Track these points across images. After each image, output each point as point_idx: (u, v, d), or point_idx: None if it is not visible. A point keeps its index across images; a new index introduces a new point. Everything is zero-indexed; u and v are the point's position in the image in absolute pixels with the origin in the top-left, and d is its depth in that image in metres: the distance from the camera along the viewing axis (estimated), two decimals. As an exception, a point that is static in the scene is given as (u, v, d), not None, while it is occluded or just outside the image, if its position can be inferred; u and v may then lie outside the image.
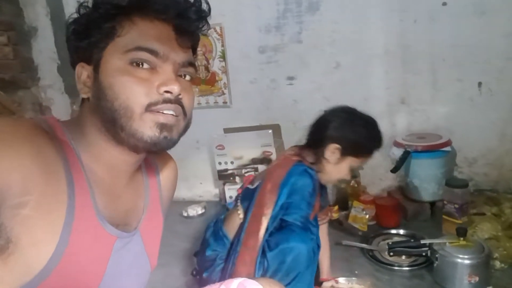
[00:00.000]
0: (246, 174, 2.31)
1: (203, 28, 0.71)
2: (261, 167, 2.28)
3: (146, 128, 0.63)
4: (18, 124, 0.59)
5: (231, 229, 1.42)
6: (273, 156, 2.28)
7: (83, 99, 0.69)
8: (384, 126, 2.20)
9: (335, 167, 1.37)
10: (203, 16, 0.69)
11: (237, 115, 2.44)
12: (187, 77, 0.70)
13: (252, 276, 0.77)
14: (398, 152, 2.03)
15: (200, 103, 2.48)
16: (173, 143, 0.67)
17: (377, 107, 2.23)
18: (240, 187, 1.53)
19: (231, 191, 2.33)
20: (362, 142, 1.36)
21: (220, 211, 2.30)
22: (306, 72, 2.29)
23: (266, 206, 1.30)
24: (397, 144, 2.06)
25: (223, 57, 2.38)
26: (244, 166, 2.34)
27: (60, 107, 2.68)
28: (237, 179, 2.36)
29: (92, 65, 0.66)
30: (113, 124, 0.63)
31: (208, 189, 2.66)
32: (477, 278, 1.41)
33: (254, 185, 1.41)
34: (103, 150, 0.67)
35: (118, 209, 0.71)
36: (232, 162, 2.36)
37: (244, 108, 2.44)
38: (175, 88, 0.63)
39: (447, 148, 1.99)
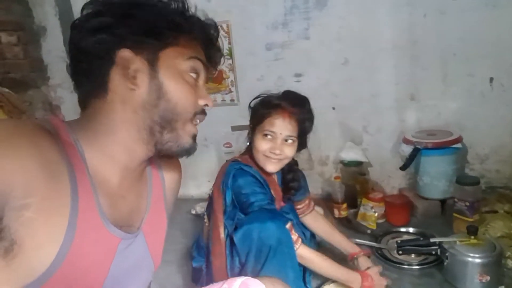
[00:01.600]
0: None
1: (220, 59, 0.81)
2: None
3: (186, 135, 0.71)
4: (20, 126, 0.59)
5: (204, 236, 1.46)
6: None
7: (104, 92, 0.66)
8: (393, 122, 2.22)
9: (254, 143, 1.42)
10: (221, 50, 0.81)
11: (244, 113, 2.40)
12: None
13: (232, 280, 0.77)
14: (407, 149, 2.00)
15: (207, 101, 2.47)
16: (195, 151, 0.76)
17: (386, 103, 2.21)
18: (208, 196, 1.57)
19: (239, 189, 2.32)
20: (254, 110, 1.47)
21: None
22: (314, 68, 2.27)
23: (219, 211, 1.35)
24: (406, 141, 2.03)
25: (230, 54, 2.37)
26: (252, 163, 2.33)
27: (70, 106, 2.70)
28: (245, 176, 2.34)
29: (145, 60, 0.66)
30: (164, 124, 0.68)
31: (216, 187, 2.66)
32: (488, 278, 1.38)
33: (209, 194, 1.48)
34: (120, 147, 0.68)
35: (122, 210, 0.71)
36: (239, 160, 2.34)
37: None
38: (211, 104, 0.73)
39: (458, 145, 1.95)
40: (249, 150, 1.47)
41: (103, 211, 0.65)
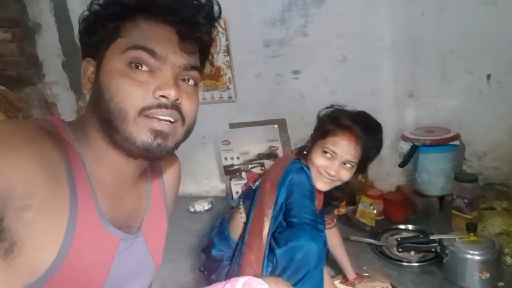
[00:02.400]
0: (252, 170, 2.30)
1: (209, 33, 0.68)
2: (267, 162, 2.27)
3: (140, 133, 0.61)
4: (20, 126, 0.58)
5: (235, 229, 1.41)
6: (279, 151, 2.27)
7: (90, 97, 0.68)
8: (391, 120, 2.22)
9: (312, 155, 1.34)
10: (210, 21, 0.66)
11: (242, 110, 2.43)
12: (191, 82, 0.67)
13: (260, 276, 0.76)
14: (405, 146, 2.01)
15: (205, 98, 2.46)
16: (166, 151, 0.64)
17: (385, 101, 2.21)
18: (244, 185, 1.52)
19: (237, 187, 2.32)
20: (324, 120, 1.34)
21: (226, 208, 2.29)
22: (312, 65, 2.26)
23: (267, 206, 1.29)
24: (404, 138, 2.04)
25: (228, 51, 2.35)
26: (250, 161, 2.33)
27: (66, 104, 2.68)
28: (243, 174, 2.34)
29: (96, 62, 0.65)
30: (108, 126, 0.62)
31: (214, 185, 2.66)
32: (488, 274, 1.39)
33: (255, 185, 1.40)
34: (104, 152, 0.66)
35: (121, 211, 0.70)
36: (238, 158, 2.34)
37: (249, 103, 2.42)
38: (171, 93, 0.61)
39: (456, 142, 1.96)
40: (304, 155, 1.39)
41: (102, 212, 0.65)
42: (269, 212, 1.28)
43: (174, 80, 0.63)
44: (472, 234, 1.46)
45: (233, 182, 2.36)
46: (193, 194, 2.63)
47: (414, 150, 1.95)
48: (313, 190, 1.32)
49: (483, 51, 2.01)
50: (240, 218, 1.39)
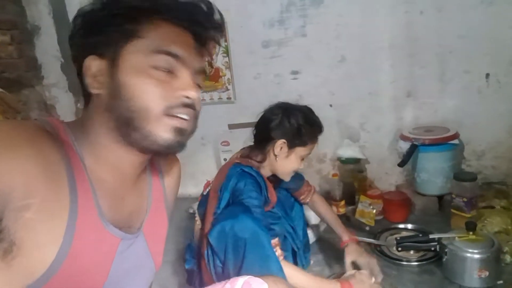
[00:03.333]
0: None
1: (220, 38, 0.73)
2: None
3: (162, 131, 0.64)
4: (20, 126, 0.59)
5: (196, 236, 1.46)
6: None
7: (88, 97, 0.67)
8: (390, 120, 2.22)
9: (286, 160, 1.43)
10: (221, 27, 0.71)
11: (241, 111, 2.43)
12: (200, 83, 0.71)
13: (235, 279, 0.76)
14: (405, 146, 2.01)
15: (204, 99, 2.46)
16: (184, 147, 0.69)
17: (383, 101, 2.21)
18: (201, 194, 1.54)
19: (237, 187, 2.32)
20: (303, 130, 1.40)
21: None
22: (311, 66, 2.26)
23: (210, 212, 1.35)
24: (404, 138, 2.04)
25: (227, 52, 2.36)
26: (250, 162, 2.33)
27: (65, 106, 2.68)
28: (243, 175, 2.34)
29: (105, 60, 0.64)
30: (127, 124, 0.63)
31: (214, 186, 2.66)
32: (487, 273, 1.39)
33: (205, 192, 1.47)
34: (108, 151, 0.66)
35: (121, 211, 0.70)
36: (237, 158, 2.34)
37: (248, 103, 2.42)
38: (194, 94, 0.66)
39: (455, 141, 1.96)
40: (266, 157, 1.44)
41: (103, 212, 0.65)
42: (211, 218, 1.33)
43: (193, 82, 0.68)
44: (471, 232, 1.46)
45: (232, 183, 2.35)
46: (192, 195, 2.63)
47: (413, 149, 1.95)
48: (260, 188, 1.38)
49: (481, 51, 2.01)
50: (197, 225, 1.45)
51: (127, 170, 0.70)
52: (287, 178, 1.49)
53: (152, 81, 0.63)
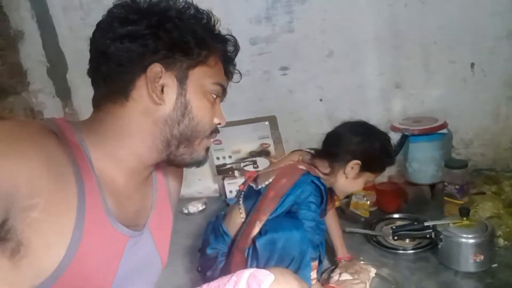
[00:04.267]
0: (245, 168, 2.30)
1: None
2: (260, 160, 2.28)
3: (201, 150, 0.75)
4: (25, 126, 0.58)
5: (232, 226, 1.41)
6: (271, 148, 2.28)
7: (120, 98, 0.66)
8: (379, 112, 2.25)
9: (351, 181, 1.41)
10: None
11: (231, 109, 2.39)
12: None
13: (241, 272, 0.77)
14: (395, 137, 2.03)
15: (194, 99, 2.45)
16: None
17: (372, 93, 2.24)
18: (242, 184, 1.52)
19: (231, 186, 2.32)
20: (380, 158, 1.40)
21: (220, 208, 2.29)
22: (299, 61, 2.27)
23: (263, 213, 1.30)
24: (394, 129, 2.06)
25: (215, 51, 2.35)
26: (243, 159, 2.33)
27: (52, 111, 2.63)
28: (236, 173, 2.35)
29: (174, 75, 0.67)
30: (186, 139, 0.70)
31: (207, 185, 2.64)
32: (482, 257, 1.42)
33: (258, 186, 1.40)
34: (132, 155, 0.68)
35: (128, 209, 0.70)
36: (230, 157, 2.35)
37: (238, 101, 2.40)
38: (224, 123, 0.78)
39: (444, 131, 2.00)
40: (333, 171, 1.40)
41: (110, 211, 0.65)
42: (263, 218, 1.29)
43: None
44: (465, 218, 1.49)
45: (226, 182, 2.35)
46: (185, 196, 2.60)
47: (404, 140, 1.98)
48: (323, 201, 1.36)
49: (464, 41, 2.04)
50: (240, 217, 1.39)
51: (140, 172, 0.72)
52: (342, 196, 1.53)
53: (210, 106, 0.72)
